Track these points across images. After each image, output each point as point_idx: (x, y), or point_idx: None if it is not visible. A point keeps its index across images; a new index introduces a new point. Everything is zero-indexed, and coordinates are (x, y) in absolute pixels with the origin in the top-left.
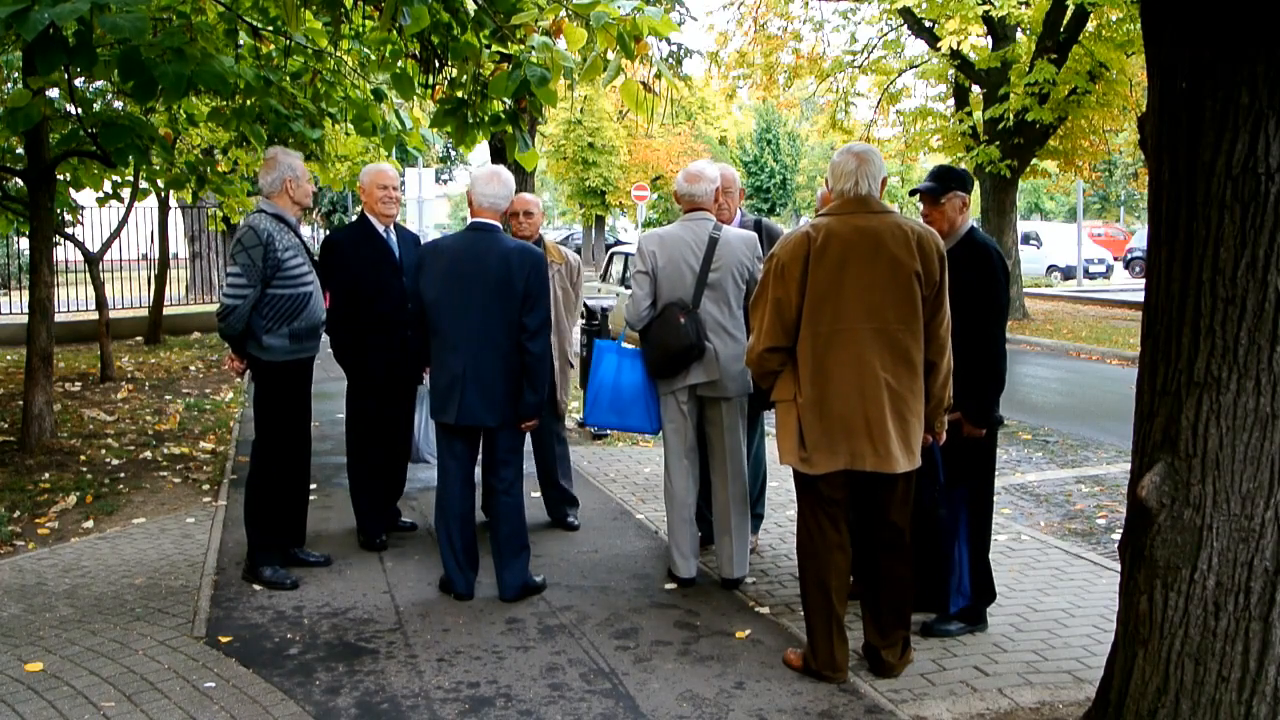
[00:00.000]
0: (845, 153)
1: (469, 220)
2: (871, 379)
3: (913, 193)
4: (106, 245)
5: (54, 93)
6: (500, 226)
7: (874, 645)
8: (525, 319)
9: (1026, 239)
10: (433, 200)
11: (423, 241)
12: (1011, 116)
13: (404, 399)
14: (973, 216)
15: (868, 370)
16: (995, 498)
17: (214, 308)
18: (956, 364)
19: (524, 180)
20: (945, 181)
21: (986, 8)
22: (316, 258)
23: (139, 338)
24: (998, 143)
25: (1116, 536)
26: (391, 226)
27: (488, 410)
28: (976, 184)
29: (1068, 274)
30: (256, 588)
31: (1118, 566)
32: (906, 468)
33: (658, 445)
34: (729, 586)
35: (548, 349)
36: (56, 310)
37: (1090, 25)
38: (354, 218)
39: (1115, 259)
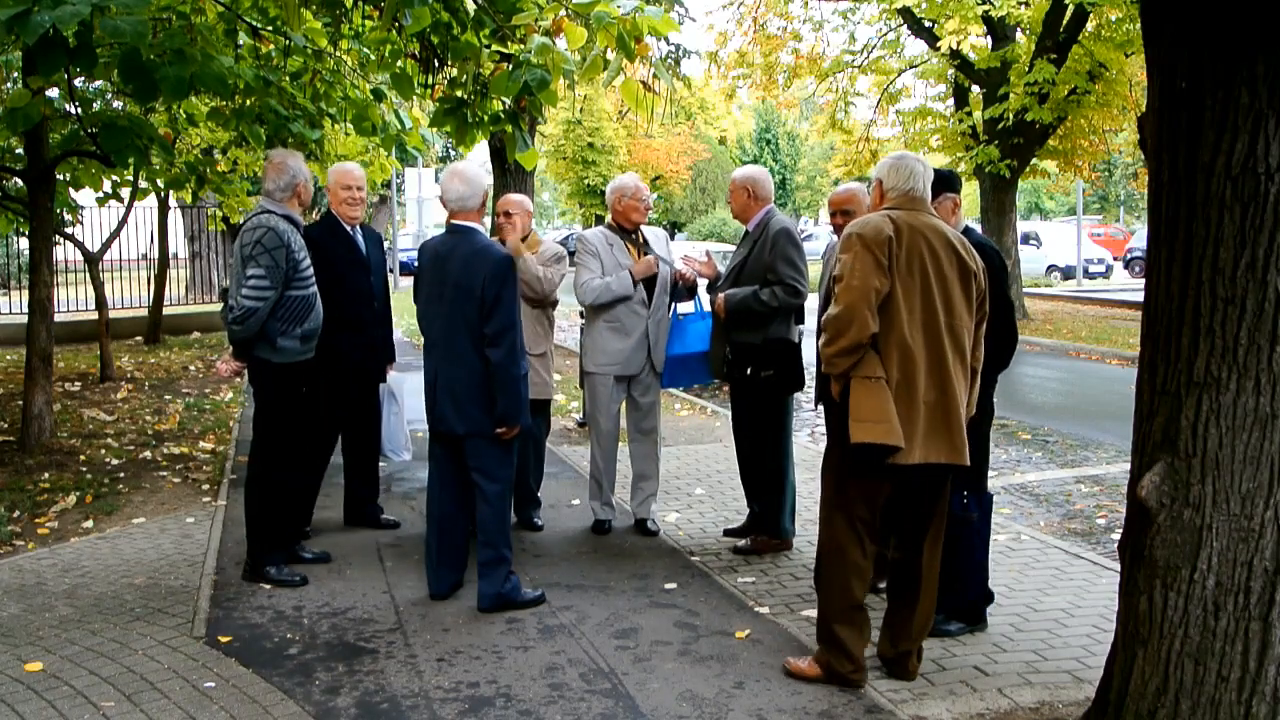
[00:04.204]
0: (904, 157)
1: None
2: (949, 372)
3: None
4: (106, 245)
5: (54, 92)
6: (474, 227)
7: (905, 649)
8: (485, 325)
9: (1026, 239)
10: (433, 200)
11: (421, 240)
12: (1011, 116)
13: (371, 395)
14: (973, 216)
15: (945, 363)
16: (995, 497)
17: (214, 308)
18: None
19: (524, 180)
20: (935, 186)
21: (986, 8)
22: None
23: (139, 338)
24: (997, 143)
25: (1116, 536)
26: (358, 225)
27: (456, 417)
28: (976, 184)
29: (1067, 274)
30: (255, 587)
31: (1118, 566)
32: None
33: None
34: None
35: (513, 356)
36: (56, 310)
37: (1090, 25)
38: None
39: (1115, 259)
